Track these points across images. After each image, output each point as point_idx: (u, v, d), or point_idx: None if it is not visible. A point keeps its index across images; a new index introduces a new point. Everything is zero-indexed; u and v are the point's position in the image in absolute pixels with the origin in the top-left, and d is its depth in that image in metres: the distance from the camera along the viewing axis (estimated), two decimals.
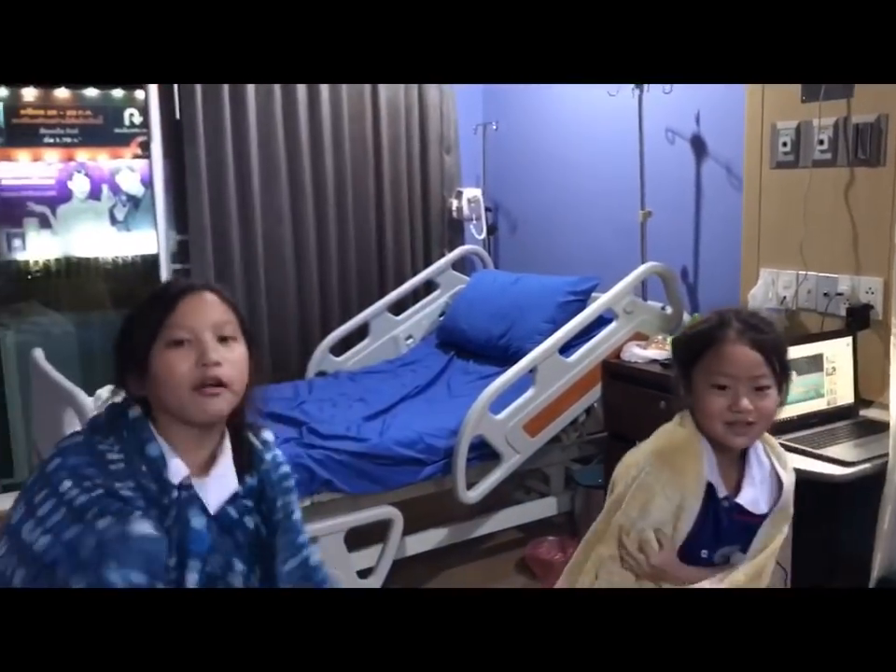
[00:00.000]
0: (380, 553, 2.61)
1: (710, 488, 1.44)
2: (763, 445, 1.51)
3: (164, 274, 3.74)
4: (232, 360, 1.12)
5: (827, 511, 2.38)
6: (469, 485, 2.73)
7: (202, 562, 1.09)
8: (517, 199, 4.14)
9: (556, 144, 3.84)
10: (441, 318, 3.73)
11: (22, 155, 4.34)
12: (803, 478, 2.09)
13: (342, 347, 3.64)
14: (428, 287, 3.87)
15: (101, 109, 4.44)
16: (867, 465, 2.08)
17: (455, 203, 4.03)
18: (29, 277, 4.44)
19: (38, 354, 2.61)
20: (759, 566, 1.46)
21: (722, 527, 1.46)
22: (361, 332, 3.68)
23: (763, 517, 1.47)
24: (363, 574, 2.62)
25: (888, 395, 2.18)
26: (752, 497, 1.46)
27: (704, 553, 1.46)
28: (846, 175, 2.57)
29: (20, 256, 4.38)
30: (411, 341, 3.72)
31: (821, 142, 2.63)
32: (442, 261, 3.81)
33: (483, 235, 3.99)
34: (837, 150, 2.59)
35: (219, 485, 1.14)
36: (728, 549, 1.48)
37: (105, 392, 2.64)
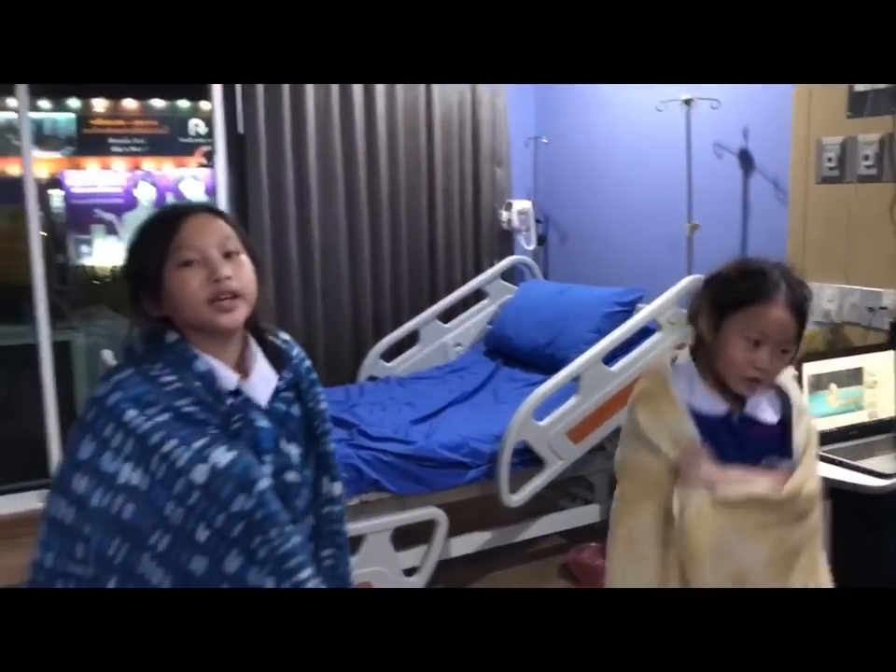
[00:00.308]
0: (425, 553, 2.71)
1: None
2: None
3: None
4: (240, 273, 1.22)
5: (870, 522, 2.39)
6: (513, 490, 2.81)
7: (272, 457, 1.21)
8: (567, 211, 4.21)
9: (605, 157, 3.91)
10: (490, 326, 3.81)
11: (91, 164, 4.54)
12: (841, 489, 2.14)
13: (393, 353, 3.75)
14: (478, 295, 3.96)
15: (167, 119, 4.63)
16: None
17: (505, 215, 4.12)
18: (96, 282, 4.61)
19: (107, 354, 2.78)
20: (807, 466, 1.48)
21: (744, 442, 1.49)
22: (412, 339, 3.79)
23: (780, 425, 1.51)
24: (409, 573, 2.72)
25: None
26: (755, 404, 1.50)
27: None
28: (890, 190, 2.59)
29: (87, 261, 4.55)
30: (459, 348, 3.81)
31: (866, 157, 2.65)
32: (491, 271, 3.90)
33: (533, 246, 4.07)
34: (882, 166, 2.61)
35: (264, 384, 1.25)
36: (765, 461, 1.49)
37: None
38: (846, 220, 2.70)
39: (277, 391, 1.26)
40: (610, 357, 2.94)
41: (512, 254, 4.19)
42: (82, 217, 4.53)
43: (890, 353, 2.44)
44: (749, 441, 1.50)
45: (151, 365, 1.19)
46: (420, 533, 2.75)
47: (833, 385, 2.35)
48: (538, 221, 4.11)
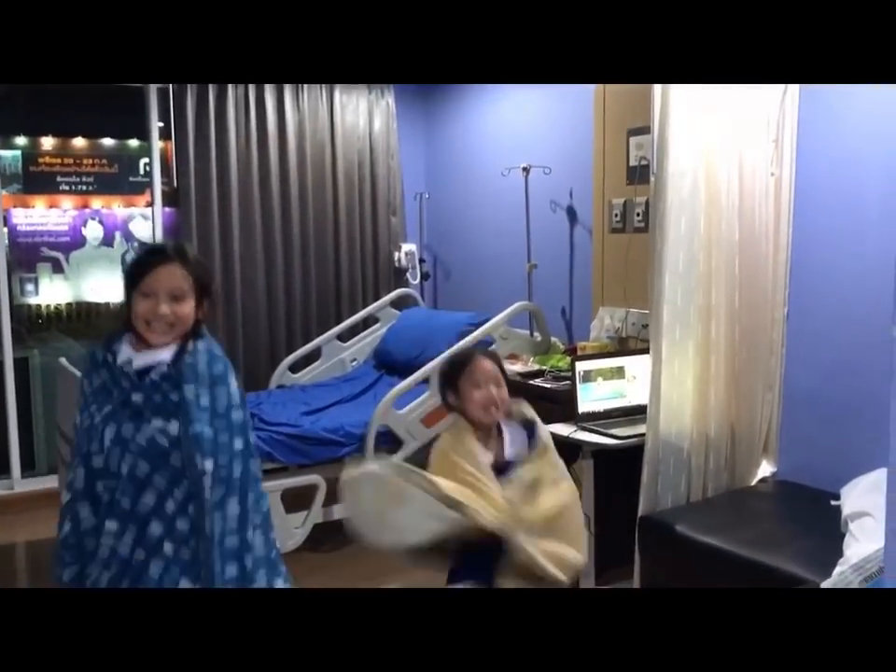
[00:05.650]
0: (308, 511, 3.50)
1: None
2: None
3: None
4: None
5: (627, 474, 3.18)
6: None
7: None
8: (450, 252, 5.13)
9: (474, 210, 4.84)
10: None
11: (39, 202, 4.46)
12: (599, 449, 3.01)
13: (301, 367, 4.56)
14: (376, 320, 4.80)
15: (116, 158, 4.66)
16: (634, 439, 2.98)
17: (397, 255, 5.00)
18: (40, 321, 4.65)
19: (63, 361, 3.55)
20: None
21: None
22: (317, 355, 4.61)
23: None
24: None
25: None
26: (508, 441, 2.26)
27: None
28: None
29: (32, 300, 4.52)
30: (355, 362, 4.65)
31: (638, 214, 3.59)
32: (381, 301, 4.77)
33: (417, 281, 4.96)
34: (648, 220, 3.54)
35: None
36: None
37: None
38: (625, 261, 3.62)
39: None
40: None
41: (406, 287, 5.05)
42: (27, 255, 4.46)
43: (646, 356, 3.33)
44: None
45: None
46: (308, 501, 3.53)
47: (599, 378, 3.24)
48: (421, 261, 5.00)
